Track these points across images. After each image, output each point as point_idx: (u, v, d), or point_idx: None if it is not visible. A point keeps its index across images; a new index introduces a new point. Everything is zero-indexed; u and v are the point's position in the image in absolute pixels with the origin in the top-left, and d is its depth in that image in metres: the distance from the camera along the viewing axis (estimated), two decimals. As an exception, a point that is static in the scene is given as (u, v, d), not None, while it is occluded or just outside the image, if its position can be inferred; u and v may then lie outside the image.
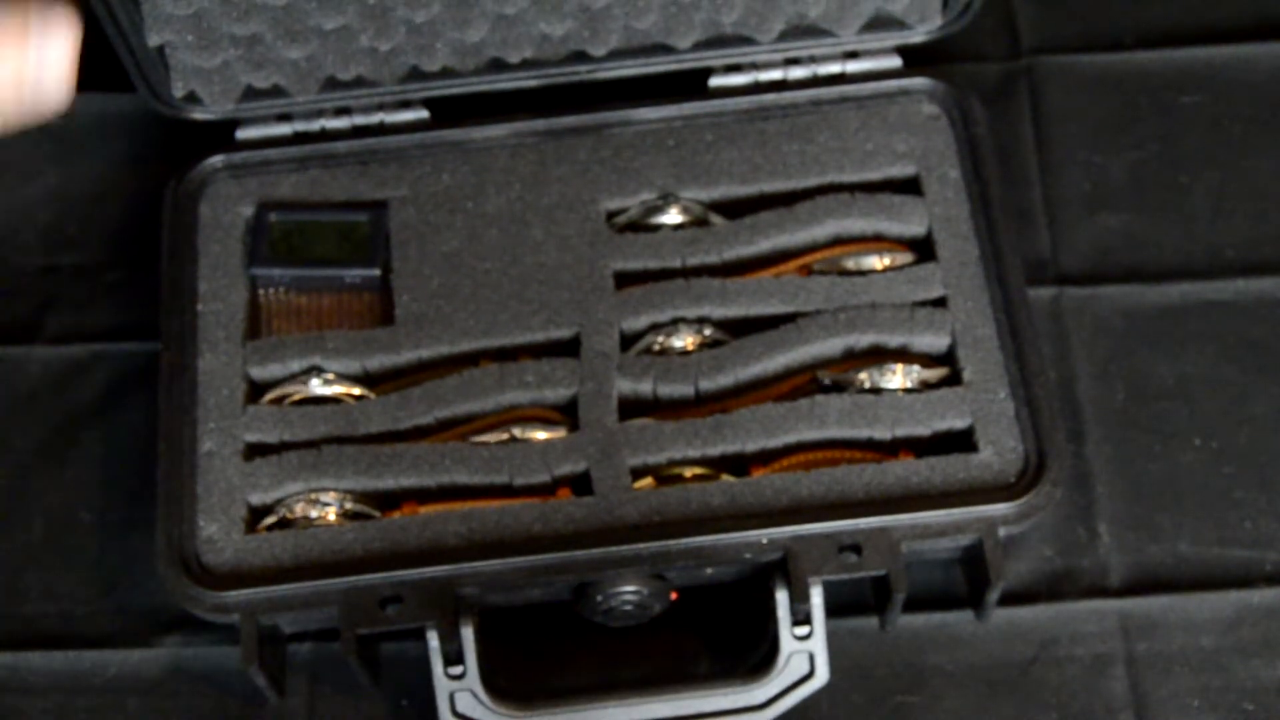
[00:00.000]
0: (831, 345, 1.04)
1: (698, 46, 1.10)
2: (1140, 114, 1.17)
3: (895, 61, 1.11)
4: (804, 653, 0.96)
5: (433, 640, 0.95)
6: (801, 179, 1.09)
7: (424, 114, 1.11)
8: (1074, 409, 1.08)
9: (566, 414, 1.03)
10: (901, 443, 1.02)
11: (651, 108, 1.11)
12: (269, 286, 1.08)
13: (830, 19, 1.09)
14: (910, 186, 1.09)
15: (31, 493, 1.08)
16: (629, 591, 0.97)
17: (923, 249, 1.07)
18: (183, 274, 1.07)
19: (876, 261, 1.06)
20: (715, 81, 1.11)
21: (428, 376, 1.04)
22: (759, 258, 1.07)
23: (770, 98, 1.11)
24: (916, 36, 1.10)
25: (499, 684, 0.97)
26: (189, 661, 1.02)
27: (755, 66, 1.11)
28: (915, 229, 1.07)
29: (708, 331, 1.05)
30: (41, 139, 1.18)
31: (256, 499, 1.01)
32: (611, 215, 1.09)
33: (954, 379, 1.03)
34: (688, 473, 1.01)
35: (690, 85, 1.11)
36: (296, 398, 1.04)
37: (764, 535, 0.97)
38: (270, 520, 1.01)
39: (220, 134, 1.10)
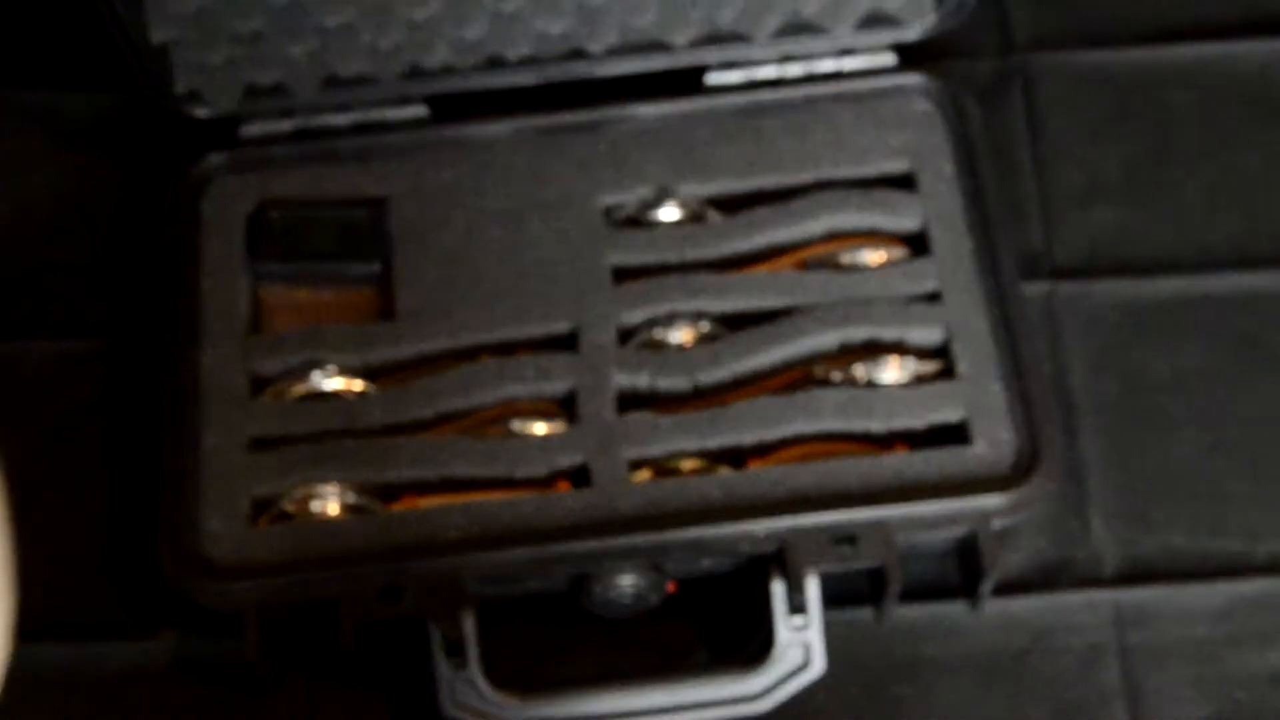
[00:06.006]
0: (827, 339, 1.04)
1: (694, 44, 1.10)
2: (1133, 110, 1.18)
3: (890, 59, 1.11)
4: (800, 643, 0.97)
5: (434, 631, 0.96)
6: (797, 175, 1.09)
7: (424, 111, 1.11)
8: (1067, 402, 1.08)
9: (565, 407, 1.04)
10: (896, 436, 1.02)
11: (649, 104, 1.11)
12: (270, 282, 1.08)
13: (825, 17, 1.09)
14: (905, 182, 1.09)
15: (33, 487, 1.07)
16: (627, 583, 0.98)
17: (917, 244, 1.08)
18: (184, 270, 1.07)
19: (871, 256, 1.07)
20: (711, 79, 1.12)
21: (428, 370, 1.04)
22: (755, 253, 1.08)
23: (766, 95, 1.11)
24: (911, 34, 1.11)
25: (499, 674, 0.97)
26: (191, 654, 1.03)
27: (751, 64, 1.11)
28: (909, 224, 1.08)
29: (705, 326, 1.05)
30: (43, 135, 1.19)
31: (259, 492, 1.01)
32: (609, 211, 1.09)
33: (948, 372, 1.03)
34: (685, 465, 1.01)
35: (687, 82, 1.12)
36: (298, 392, 1.04)
37: (760, 527, 0.97)
38: (272, 513, 1.01)
39: (222, 131, 1.10)
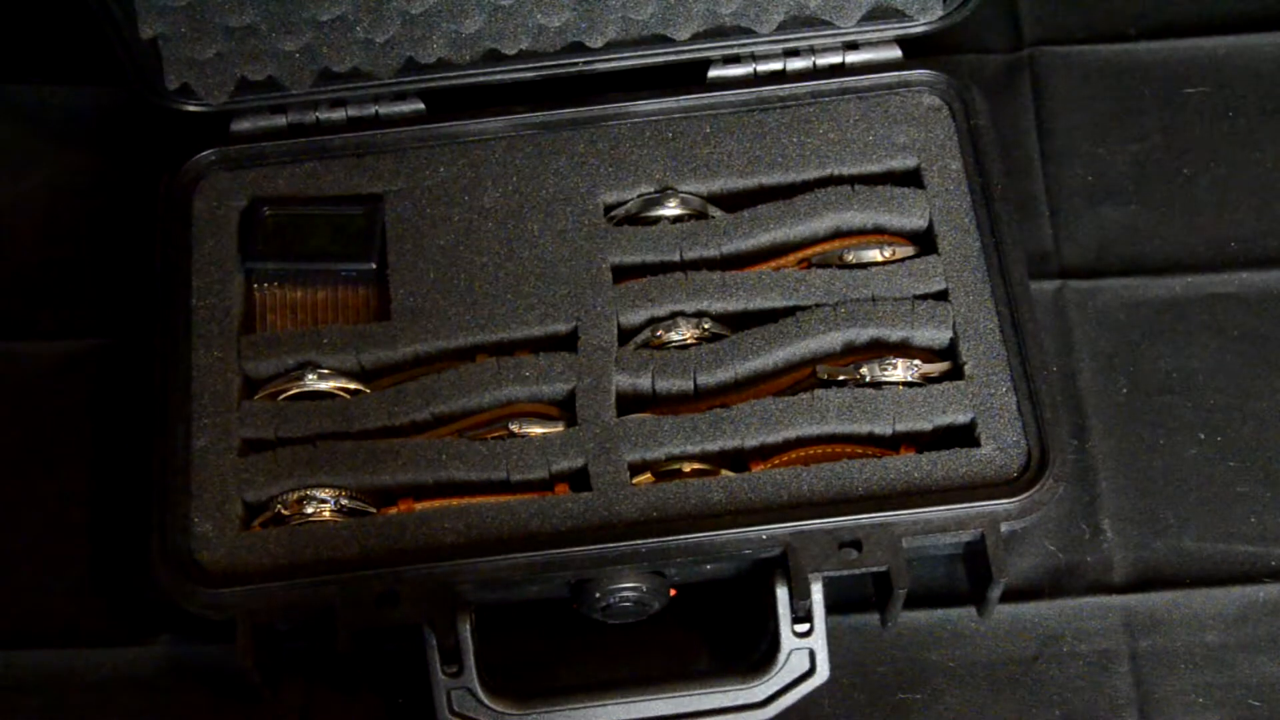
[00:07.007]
0: (831, 339, 1.03)
1: (696, 38, 1.09)
2: (1143, 105, 1.17)
3: (895, 53, 1.10)
4: (804, 650, 0.96)
5: (430, 638, 0.95)
6: (801, 171, 1.08)
7: (420, 106, 1.10)
8: (1077, 403, 1.07)
9: (564, 409, 1.03)
10: (902, 437, 1.01)
11: (649, 100, 1.10)
12: (263, 281, 1.07)
13: (830, 9, 1.08)
14: (911, 179, 1.08)
15: (25, 488, 1.07)
16: (627, 588, 0.97)
17: (924, 242, 1.07)
18: (177, 268, 1.06)
19: (877, 254, 1.06)
20: (714, 73, 1.11)
21: (424, 371, 1.04)
22: (758, 251, 1.07)
23: (769, 89, 1.10)
24: (917, 27, 1.10)
25: (496, 682, 0.96)
26: (183, 659, 1.02)
27: (754, 58, 1.10)
28: (916, 222, 1.07)
29: (706, 325, 1.04)
30: (33, 131, 1.18)
31: (251, 495, 1.00)
32: (609, 208, 1.08)
33: (955, 373, 1.02)
34: (686, 468, 1.00)
35: (688, 77, 1.11)
36: (291, 393, 1.04)
37: (764, 531, 0.96)
38: (265, 517, 1.00)
39: (214, 127, 1.10)
